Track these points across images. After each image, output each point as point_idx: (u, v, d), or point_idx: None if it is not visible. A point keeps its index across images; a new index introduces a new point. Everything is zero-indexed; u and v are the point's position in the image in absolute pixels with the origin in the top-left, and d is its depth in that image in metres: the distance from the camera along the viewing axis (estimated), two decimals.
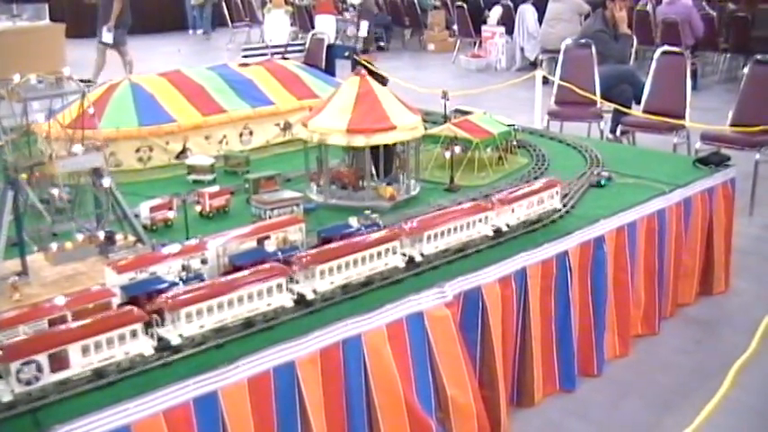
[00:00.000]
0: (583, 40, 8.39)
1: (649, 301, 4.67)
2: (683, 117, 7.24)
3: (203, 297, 2.92)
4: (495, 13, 15.42)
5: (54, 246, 3.43)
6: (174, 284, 3.08)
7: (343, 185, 4.46)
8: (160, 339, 2.84)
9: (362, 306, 3.23)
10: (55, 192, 3.40)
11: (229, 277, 3.10)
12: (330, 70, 9.75)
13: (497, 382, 3.71)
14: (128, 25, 12.62)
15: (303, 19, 17.52)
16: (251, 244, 3.44)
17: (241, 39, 18.71)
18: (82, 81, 3.75)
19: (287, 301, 3.14)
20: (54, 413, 2.53)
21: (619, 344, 4.49)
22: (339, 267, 3.28)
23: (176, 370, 2.76)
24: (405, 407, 3.30)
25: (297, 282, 3.23)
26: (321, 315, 3.15)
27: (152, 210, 4.08)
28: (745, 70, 7.32)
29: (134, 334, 2.75)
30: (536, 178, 4.88)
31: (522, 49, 14.67)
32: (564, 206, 4.35)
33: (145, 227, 3.93)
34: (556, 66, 8.55)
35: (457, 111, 5.72)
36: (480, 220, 3.85)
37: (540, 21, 13.36)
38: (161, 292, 2.98)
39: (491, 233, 3.89)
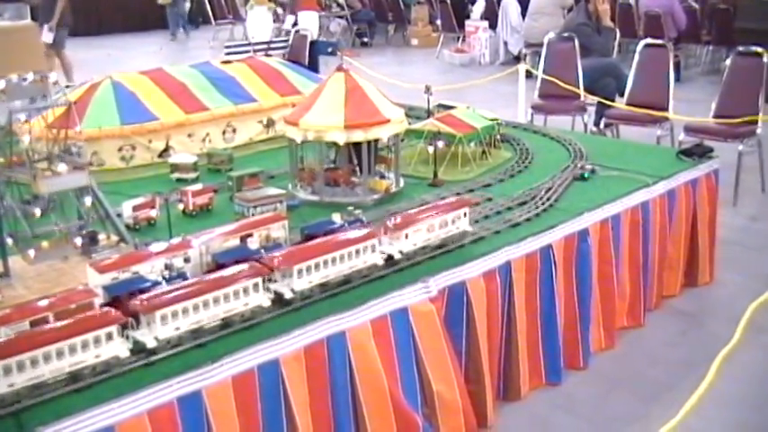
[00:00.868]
0: (566, 34, 8.38)
1: (634, 294, 4.68)
2: (666, 109, 7.27)
3: (178, 299, 2.88)
4: (479, 7, 15.43)
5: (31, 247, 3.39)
6: (156, 284, 3.05)
7: (336, 182, 4.45)
8: (136, 342, 2.80)
9: (344, 304, 3.21)
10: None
11: (206, 278, 3.07)
12: (313, 67, 9.74)
13: (483, 376, 3.72)
14: (69, 26, 12.36)
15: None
16: (234, 242, 3.42)
17: (224, 36, 18.61)
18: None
19: (264, 300, 3.11)
20: (37, 415, 2.50)
21: (604, 337, 4.49)
22: (317, 266, 3.25)
23: (160, 369, 2.74)
24: (391, 403, 3.29)
25: (274, 281, 3.20)
26: (302, 313, 3.13)
27: (135, 209, 4.05)
28: (728, 62, 7.33)
29: (110, 336, 2.71)
30: (520, 172, 4.90)
31: (505, 44, 14.66)
32: (548, 199, 4.35)
33: (128, 226, 3.91)
34: (539, 59, 8.56)
35: (440, 105, 5.71)
36: (458, 217, 3.83)
37: (524, 15, 13.37)
38: (144, 291, 2.95)
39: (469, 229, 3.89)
